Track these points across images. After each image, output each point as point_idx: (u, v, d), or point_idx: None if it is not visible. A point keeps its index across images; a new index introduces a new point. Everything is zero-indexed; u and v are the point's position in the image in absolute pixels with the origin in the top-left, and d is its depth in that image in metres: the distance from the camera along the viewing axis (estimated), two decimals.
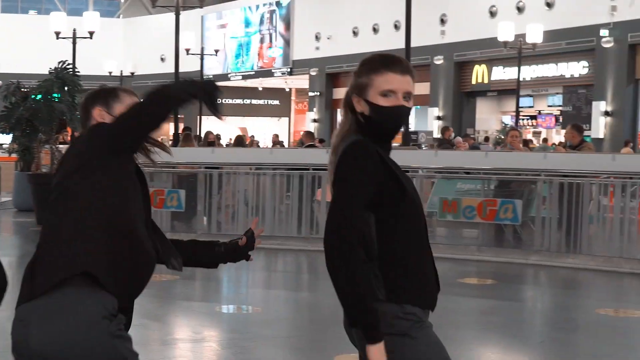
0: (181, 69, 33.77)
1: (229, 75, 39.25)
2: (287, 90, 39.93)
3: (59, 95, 17.40)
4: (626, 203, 11.52)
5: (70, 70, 17.60)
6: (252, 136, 32.75)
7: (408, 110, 3.23)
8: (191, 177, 14.00)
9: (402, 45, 26.93)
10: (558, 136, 27.62)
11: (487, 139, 26.56)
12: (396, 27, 29.40)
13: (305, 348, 8.06)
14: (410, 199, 3.24)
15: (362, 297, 2.98)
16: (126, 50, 38.71)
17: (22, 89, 18.10)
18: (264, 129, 36.45)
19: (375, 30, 32.15)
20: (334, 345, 7.56)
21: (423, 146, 21.67)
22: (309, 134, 18.70)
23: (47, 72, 17.92)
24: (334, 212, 3.06)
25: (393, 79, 3.14)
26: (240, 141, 19.34)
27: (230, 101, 39.04)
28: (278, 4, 36.93)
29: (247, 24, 38.13)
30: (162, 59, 38.71)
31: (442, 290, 3.32)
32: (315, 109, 35.70)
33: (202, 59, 31.95)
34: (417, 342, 3.15)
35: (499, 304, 9.66)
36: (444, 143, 18.55)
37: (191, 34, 28.93)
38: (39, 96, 17.60)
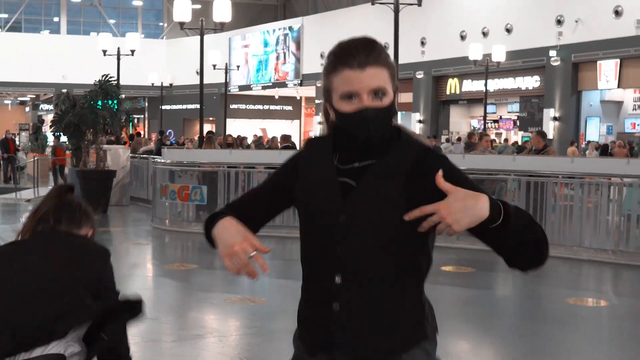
0: (211, 81, 33.39)
1: (251, 86, 39.04)
2: (298, 98, 39.50)
3: (106, 102, 16.93)
4: (583, 199, 11.06)
5: (112, 82, 17.04)
6: (274, 137, 32.58)
7: (375, 111, 2.25)
8: (213, 175, 13.38)
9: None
10: (515, 136, 28.08)
11: (459, 139, 26.44)
12: (385, 47, 28.81)
13: None
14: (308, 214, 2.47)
15: None
16: (167, 65, 38.26)
17: (71, 98, 17.45)
18: (280, 130, 36.20)
19: None
20: None
21: None
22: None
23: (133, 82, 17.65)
24: None
25: (350, 77, 2.25)
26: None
27: (252, 107, 39.36)
28: (290, 29, 36.64)
29: (266, 44, 37.68)
30: (197, 72, 38.16)
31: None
32: (320, 114, 35.05)
33: (226, 72, 31.52)
34: None
35: (475, 292, 9.05)
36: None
37: (217, 52, 28.95)
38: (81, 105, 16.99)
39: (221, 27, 18.52)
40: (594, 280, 10.29)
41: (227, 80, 33.27)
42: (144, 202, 17.29)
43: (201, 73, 20.43)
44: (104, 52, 23.18)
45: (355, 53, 2.23)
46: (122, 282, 8.38)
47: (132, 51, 23.24)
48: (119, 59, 21.87)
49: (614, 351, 6.67)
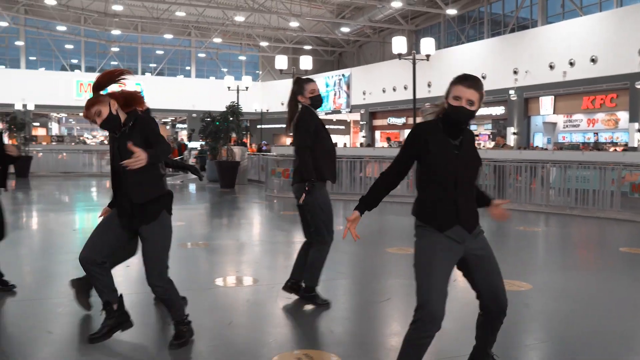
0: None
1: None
2: (348, 121, 40.04)
3: (231, 120, 17.80)
4: (528, 176, 12.00)
5: (236, 107, 17.90)
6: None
7: (466, 110, 2.76)
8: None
9: (391, 99, 28.47)
10: (490, 144, 27.44)
11: None
12: (405, 87, 30.86)
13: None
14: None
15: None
16: (262, 98, 38.57)
17: (209, 118, 18.42)
18: (337, 141, 37.35)
19: (394, 89, 32.26)
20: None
21: None
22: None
23: (224, 108, 19.13)
24: None
25: (460, 89, 2.77)
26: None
27: None
28: (343, 75, 37.49)
29: (327, 85, 38.33)
30: (281, 104, 40.39)
31: None
32: (363, 131, 36.64)
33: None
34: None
35: None
36: None
37: None
38: (217, 122, 17.91)
39: (305, 73, 19.27)
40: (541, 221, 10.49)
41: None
42: (256, 182, 18.31)
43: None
44: (229, 88, 23.50)
45: (468, 78, 2.78)
46: (254, 221, 11.02)
47: (247, 87, 23.96)
48: (238, 93, 22.39)
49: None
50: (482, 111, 27.84)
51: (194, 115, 41.40)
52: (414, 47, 29.37)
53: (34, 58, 41.14)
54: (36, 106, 36.43)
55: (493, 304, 2.85)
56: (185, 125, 43.74)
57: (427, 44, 14.65)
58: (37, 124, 41.85)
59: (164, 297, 3.57)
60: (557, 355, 3.80)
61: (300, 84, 4.62)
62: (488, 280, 2.82)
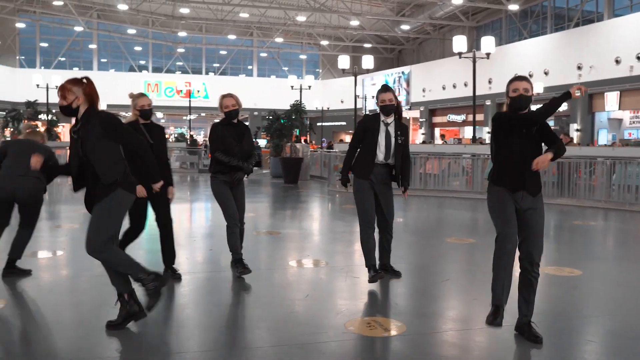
0: (352, 106, 36.16)
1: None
2: (408, 118, 39.02)
3: (294, 118, 18.53)
4: (589, 172, 11.94)
5: (300, 105, 18.52)
6: None
7: (526, 97, 3.71)
8: None
9: (451, 96, 28.43)
10: None
11: None
12: (465, 84, 30.82)
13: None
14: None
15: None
16: (323, 96, 39.19)
17: (276, 114, 19.03)
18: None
19: (454, 86, 32.37)
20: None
21: None
22: None
23: (287, 106, 19.01)
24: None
25: (517, 83, 3.73)
26: None
27: None
28: (403, 73, 37.83)
29: (387, 82, 39.11)
30: (341, 101, 41.05)
31: None
32: (422, 128, 37.01)
33: (365, 100, 33.32)
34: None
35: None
36: None
37: (358, 87, 30.62)
38: (283, 120, 18.75)
39: (366, 71, 19.50)
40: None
41: (363, 106, 35.11)
42: (318, 178, 18.79)
43: (355, 101, 21.62)
44: (292, 87, 23.86)
45: (519, 77, 3.82)
46: (318, 213, 11.64)
47: (309, 86, 24.04)
48: (301, 92, 22.63)
49: None
50: None
51: (256, 113, 42.49)
52: (474, 44, 29.48)
53: (105, 60, 43.22)
54: (107, 106, 38.26)
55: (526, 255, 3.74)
56: (247, 123, 44.80)
57: (488, 43, 14.94)
58: None
59: (105, 264, 3.85)
60: (597, 325, 4.28)
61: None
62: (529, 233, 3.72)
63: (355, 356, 3.65)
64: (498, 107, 30.31)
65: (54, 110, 25.17)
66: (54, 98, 18.75)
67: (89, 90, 3.83)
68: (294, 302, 4.73)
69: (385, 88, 5.25)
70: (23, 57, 41.02)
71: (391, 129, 5.17)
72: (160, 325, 4.17)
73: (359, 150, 5.18)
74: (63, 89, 3.80)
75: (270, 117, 18.78)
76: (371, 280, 5.03)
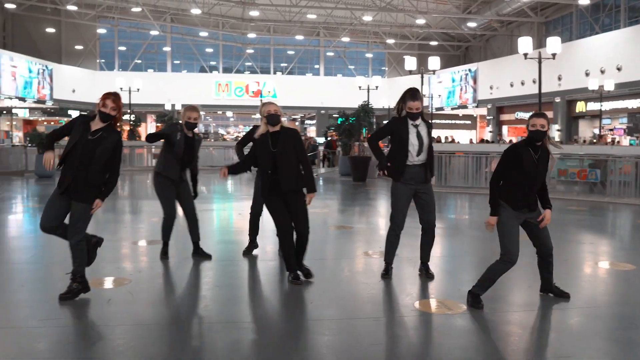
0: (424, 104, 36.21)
1: (444, 107, 39.43)
2: (475, 115, 39.60)
3: (362, 118, 18.81)
4: None
5: (367, 105, 18.84)
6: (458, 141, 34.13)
7: (543, 132, 4.37)
8: None
9: (519, 93, 27.85)
10: (625, 140, 26.64)
11: (584, 141, 26.07)
12: (534, 81, 30.57)
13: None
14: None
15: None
16: (389, 94, 36.32)
17: (344, 114, 19.48)
18: (463, 137, 36.92)
19: (522, 83, 31.86)
20: None
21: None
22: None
23: (354, 105, 19.41)
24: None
25: (535, 120, 4.42)
26: None
27: (443, 121, 38.51)
28: (469, 70, 37.53)
29: (453, 80, 38.66)
30: None
31: None
32: (490, 126, 36.70)
33: (431, 98, 33.61)
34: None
35: None
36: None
37: (424, 86, 30.18)
38: (351, 120, 19.12)
39: (433, 72, 19.72)
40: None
41: (430, 104, 35.27)
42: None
43: (423, 101, 21.24)
44: (359, 87, 23.88)
45: (539, 114, 4.46)
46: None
47: (377, 87, 24.13)
48: (368, 92, 22.45)
49: None
50: (617, 104, 26.98)
51: (323, 112, 43.23)
52: (543, 40, 29.01)
53: (178, 62, 45.02)
54: (181, 106, 39.89)
55: (542, 248, 4.70)
56: (314, 122, 45.62)
57: (553, 43, 15.06)
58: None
59: (74, 247, 4.63)
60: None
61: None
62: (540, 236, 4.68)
63: (423, 329, 4.27)
64: (568, 104, 29.95)
65: (133, 111, 26.58)
66: (136, 99, 19.93)
67: (122, 107, 4.70)
68: (369, 285, 5.37)
69: (415, 96, 5.27)
70: (103, 61, 43.30)
71: (422, 130, 5.29)
72: (253, 299, 4.95)
73: (390, 152, 5.34)
74: (118, 101, 4.62)
75: (338, 117, 19.38)
76: (384, 276, 5.46)
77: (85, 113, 5.05)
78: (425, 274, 5.59)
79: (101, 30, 42.03)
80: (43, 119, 38.51)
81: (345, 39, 42.38)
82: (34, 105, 36.02)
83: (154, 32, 41.33)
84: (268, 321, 4.47)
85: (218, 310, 4.62)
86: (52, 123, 38.88)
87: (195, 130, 6.17)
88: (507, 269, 4.49)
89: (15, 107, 34.96)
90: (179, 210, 6.22)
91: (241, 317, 4.52)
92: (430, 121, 5.64)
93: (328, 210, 11.01)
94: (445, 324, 4.35)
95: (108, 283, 5.30)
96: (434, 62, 18.89)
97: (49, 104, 36.67)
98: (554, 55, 15.29)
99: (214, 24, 41.42)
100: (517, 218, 4.46)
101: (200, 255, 6.31)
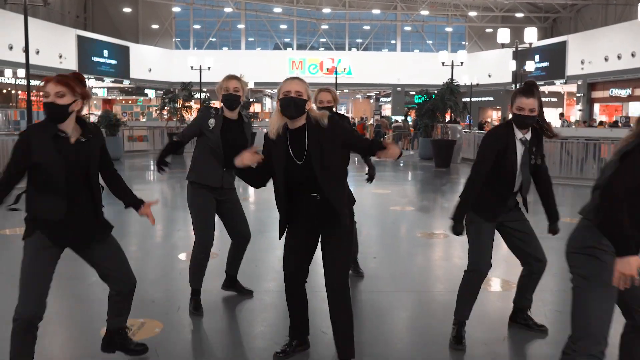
0: (500, 80, 33.85)
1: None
2: (562, 92, 37.46)
3: (448, 97, 17.15)
4: None
5: (453, 82, 17.32)
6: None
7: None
8: None
9: (614, 68, 25.20)
10: None
11: None
12: (632, 55, 28.07)
13: None
14: None
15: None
16: (468, 70, 35.15)
17: (427, 92, 18.30)
18: (549, 115, 35.54)
19: (619, 57, 29.34)
20: None
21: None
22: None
23: (438, 82, 18.62)
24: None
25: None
26: None
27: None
28: (560, 43, 35.09)
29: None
30: (488, 75, 38.85)
31: None
32: (580, 104, 34.05)
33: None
34: None
35: None
36: None
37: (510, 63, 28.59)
38: (433, 96, 17.73)
39: (529, 45, 17.68)
40: None
41: (513, 80, 33.24)
42: (469, 161, 16.94)
43: (516, 77, 20.15)
44: (443, 63, 21.52)
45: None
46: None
47: (461, 62, 21.86)
48: (452, 68, 20.57)
49: None
50: None
51: (399, 89, 41.59)
52: None
53: (252, 39, 44.20)
54: (255, 84, 39.19)
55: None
56: (390, 99, 44.04)
57: None
58: (254, 99, 45.09)
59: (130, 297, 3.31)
60: None
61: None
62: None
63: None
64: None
65: (205, 90, 25.96)
66: (210, 77, 18.80)
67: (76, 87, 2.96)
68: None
69: (530, 91, 3.53)
70: (178, 40, 43.05)
71: (532, 146, 3.64)
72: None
73: (480, 176, 3.57)
74: (69, 81, 2.91)
75: (415, 94, 18.21)
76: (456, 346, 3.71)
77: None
78: (537, 327, 3.98)
79: (176, 9, 41.67)
80: (121, 97, 38.77)
81: (424, 12, 40.16)
82: (111, 85, 36.16)
83: (227, 9, 40.56)
84: None
85: None
86: (130, 102, 39.10)
87: (240, 110, 4.32)
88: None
89: (94, 87, 35.19)
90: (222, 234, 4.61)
91: None
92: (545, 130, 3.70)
93: (412, 208, 9.55)
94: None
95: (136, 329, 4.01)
96: (530, 33, 16.83)
97: (126, 83, 36.70)
98: None
99: (289, 0, 40.19)
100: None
101: (238, 291, 4.74)
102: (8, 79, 28.15)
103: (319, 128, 3.10)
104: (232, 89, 4.20)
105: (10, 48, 26.72)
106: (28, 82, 12.86)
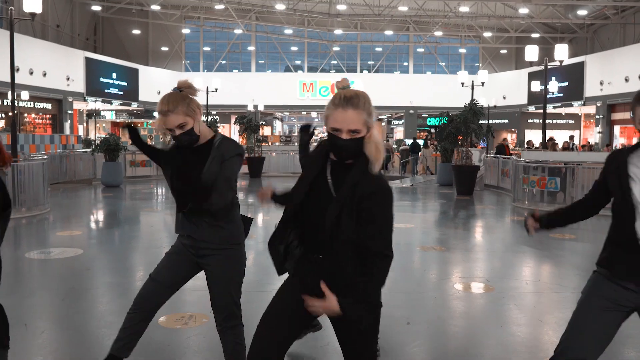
0: (514, 103, 32.55)
1: (549, 106, 36.47)
2: (579, 114, 36.24)
3: (471, 120, 15.96)
4: None
5: (475, 104, 16.16)
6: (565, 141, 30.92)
7: None
8: (561, 170, 12.40)
9: (636, 89, 24.18)
10: None
11: None
12: None
13: None
14: None
15: None
16: (487, 92, 36.54)
17: (449, 115, 17.14)
18: (565, 136, 34.44)
19: None
20: None
21: None
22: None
23: (455, 106, 17.68)
24: None
25: None
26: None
27: (549, 121, 35.40)
28: (578, 64, 33.72)
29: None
30: (503, 97, 37.63)
31: None
32: (599, 126, 32.67)
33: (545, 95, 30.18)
34: None
35: None
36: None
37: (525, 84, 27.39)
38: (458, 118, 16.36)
39: (560, 63, 16.66)
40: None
41: (526, 102, 32.14)
42: (493, 188, 16.56)
43: (545, 100, 18.62)
44: (462, 84, 20.73)
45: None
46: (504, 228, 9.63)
47: (482, 83, 20.48)
48: (473, 89, 19.53)
49: None
50: None
51: (411, 111, 40.46)
52: None
53: (262, 61, 43.30)
54: (265, 106, 38.20)
55: None
56: (402, 121, 42.90)
57: None
58: (263, 122, 44.10)
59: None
60: None
61: None
62: None
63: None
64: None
65: (214, 112, 24.90)
66: (220, 100, 17.72)
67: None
68: None
69: None
70: (188, 62, 42.21)
71: None
72: None
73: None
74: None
75: (428, 117, 17.14)
76: None
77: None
78: None
79: (186, 31, 40.88)
80: (129, 120, 37.80)
81: (438, 33, 39.09)
82: (119, 107, 35.26)
83: (238, 31, 39.72)
84: None
85: None
86: (138, 125, 38.15)
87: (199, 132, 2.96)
88: None
89: (103, 110, 34.31)
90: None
91: None
92: None
93: (443, 247, 8.17)
94: None
95: None
96: (561, 50, 15.53)
97: (134, 105, 35.78)
98: None
99: (299, 21, 39.35)
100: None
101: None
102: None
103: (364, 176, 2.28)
104: (176, 128, 2.86)
105: (17, 70, 25.83)
106: (13, 103, 11.74)
